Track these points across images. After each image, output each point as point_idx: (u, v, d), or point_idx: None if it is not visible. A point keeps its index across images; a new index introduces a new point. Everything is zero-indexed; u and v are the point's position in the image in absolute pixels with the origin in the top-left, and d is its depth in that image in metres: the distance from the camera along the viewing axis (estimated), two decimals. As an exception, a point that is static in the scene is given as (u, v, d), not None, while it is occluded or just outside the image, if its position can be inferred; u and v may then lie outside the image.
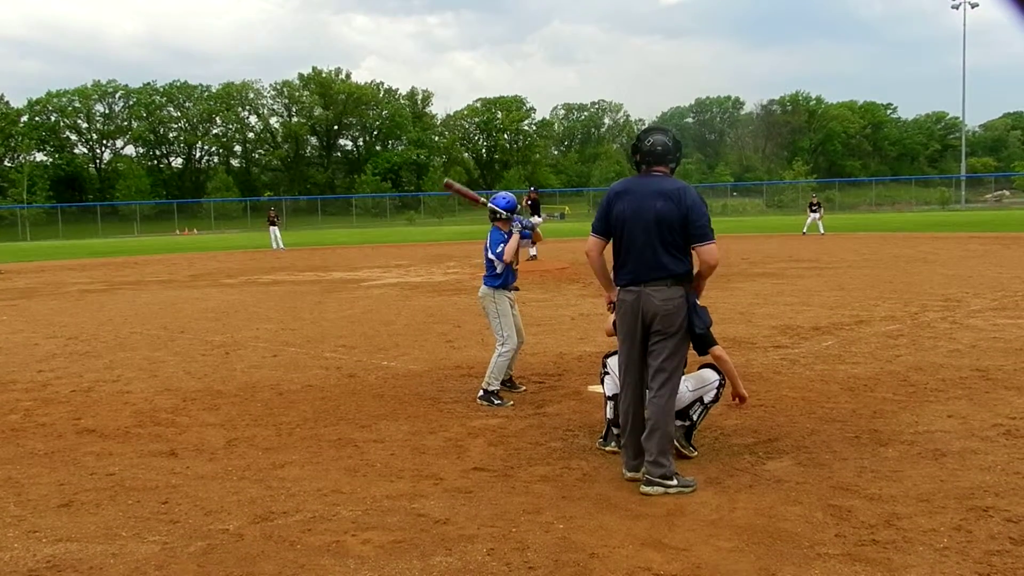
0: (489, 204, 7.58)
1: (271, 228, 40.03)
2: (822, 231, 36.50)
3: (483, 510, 4.69)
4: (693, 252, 5.11)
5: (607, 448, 5.78)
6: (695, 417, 5.64)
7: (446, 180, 8.30)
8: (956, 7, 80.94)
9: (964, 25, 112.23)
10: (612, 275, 5.33)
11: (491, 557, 4.04)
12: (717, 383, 5.64)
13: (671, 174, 5.24)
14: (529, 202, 23.14)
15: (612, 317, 5.50)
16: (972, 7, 79.84)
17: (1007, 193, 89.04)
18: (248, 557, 4.12)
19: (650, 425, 5.03)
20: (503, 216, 7.51)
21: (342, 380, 8.50)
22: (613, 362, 5.74)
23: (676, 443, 5.41)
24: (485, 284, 7.51)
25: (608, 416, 5.84)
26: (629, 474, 5.18)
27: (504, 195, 7.67)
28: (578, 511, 4.63)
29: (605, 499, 4.83)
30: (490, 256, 7.41)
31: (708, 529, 4.31)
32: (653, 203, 4.99)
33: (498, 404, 7.22)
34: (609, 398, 5.84)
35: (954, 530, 4.19)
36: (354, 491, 5.08)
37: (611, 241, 5.28)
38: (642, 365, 5.19)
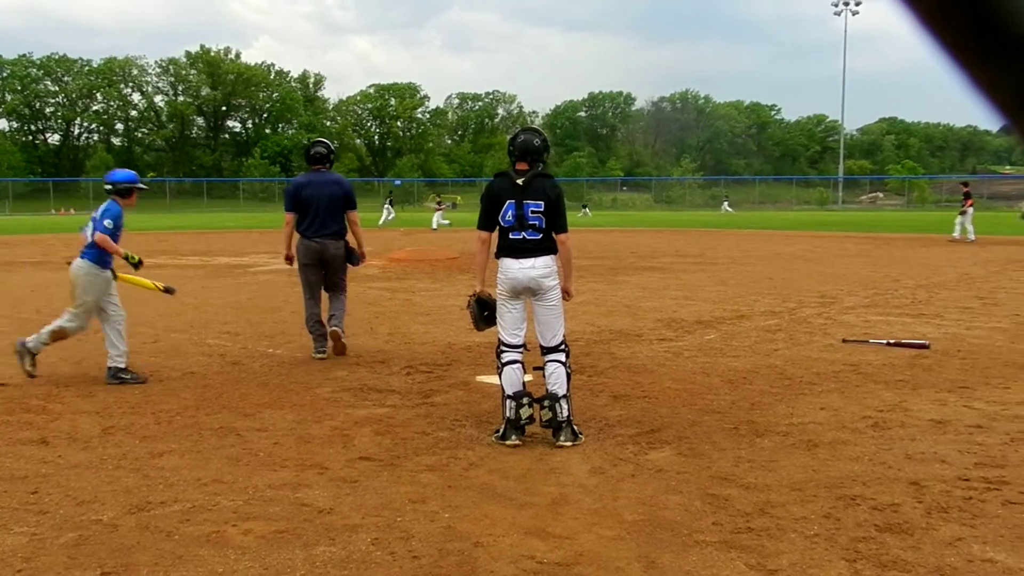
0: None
1: (436, 213, 40.88)
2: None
3: (368, 500, 4.66)
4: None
5: (507, 443, 5.66)
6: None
7: None
8: (838, 13, 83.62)
9: (845, 31, 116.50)
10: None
11: (375, 546, 4.01)
12: None
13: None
14: None
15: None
16: (853, 14, 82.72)
17: (880, 195, 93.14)
18: (123, 548, 3.99)
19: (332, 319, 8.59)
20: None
21: (225, 367, 8.31)
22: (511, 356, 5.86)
23: None
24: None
25: (508, 416, 5.72)
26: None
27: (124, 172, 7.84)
28: (463, 500, 4.65)
29: (490, 489, 4.86)
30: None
31: (591, 518, 4.38)
32: None
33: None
34: (510, 396, 5.75)
35: (824, 518, 4.37)
36: (236, 480, 4.98)
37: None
38: None
